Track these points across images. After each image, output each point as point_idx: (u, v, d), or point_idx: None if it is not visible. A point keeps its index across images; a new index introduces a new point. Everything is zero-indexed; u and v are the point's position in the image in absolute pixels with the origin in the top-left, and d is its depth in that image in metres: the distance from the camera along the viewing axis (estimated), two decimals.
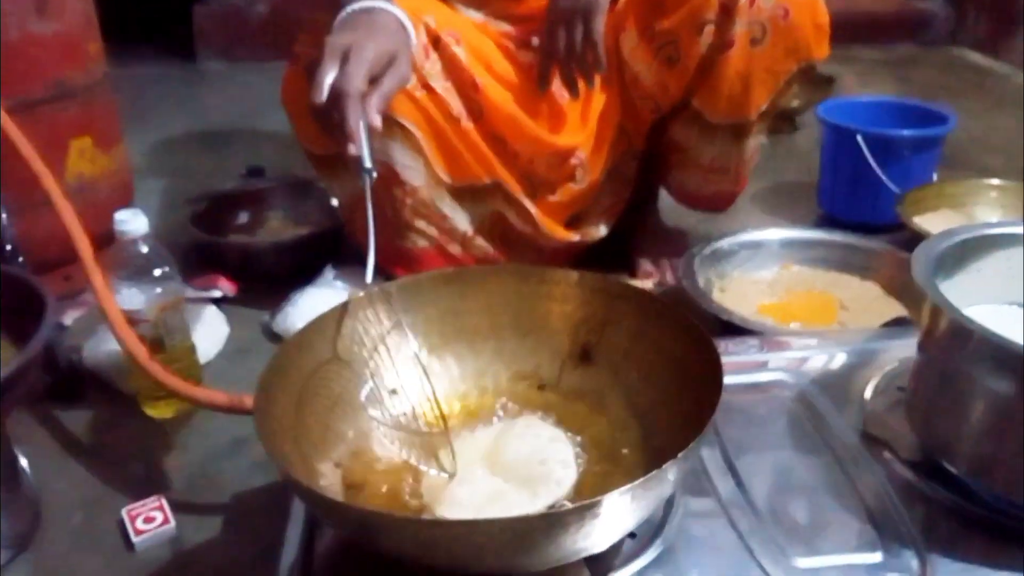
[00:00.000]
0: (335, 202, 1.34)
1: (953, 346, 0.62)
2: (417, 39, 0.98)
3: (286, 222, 1.40)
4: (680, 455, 0.50)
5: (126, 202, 1.32)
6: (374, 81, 0.83)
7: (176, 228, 1.39)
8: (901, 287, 1.15)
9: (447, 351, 0.74)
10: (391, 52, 0.85)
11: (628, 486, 0.48)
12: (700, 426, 0.53)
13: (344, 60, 0.81)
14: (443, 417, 0.69)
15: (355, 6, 0.90)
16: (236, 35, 2.66)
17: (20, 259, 1.10)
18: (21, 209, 1.11)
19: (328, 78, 0.80)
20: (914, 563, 0.58)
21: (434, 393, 0.70)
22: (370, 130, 0.80)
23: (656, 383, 0.67)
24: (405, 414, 0.68)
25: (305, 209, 1.43)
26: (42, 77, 1.17)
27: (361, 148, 0.77)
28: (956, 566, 0.58)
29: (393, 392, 0.68)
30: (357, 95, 0.79)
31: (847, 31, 2.48)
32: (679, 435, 0.61)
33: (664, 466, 0.49)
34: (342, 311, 0.68)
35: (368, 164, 0.77)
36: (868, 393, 0.74)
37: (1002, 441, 0.59)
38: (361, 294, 0.69)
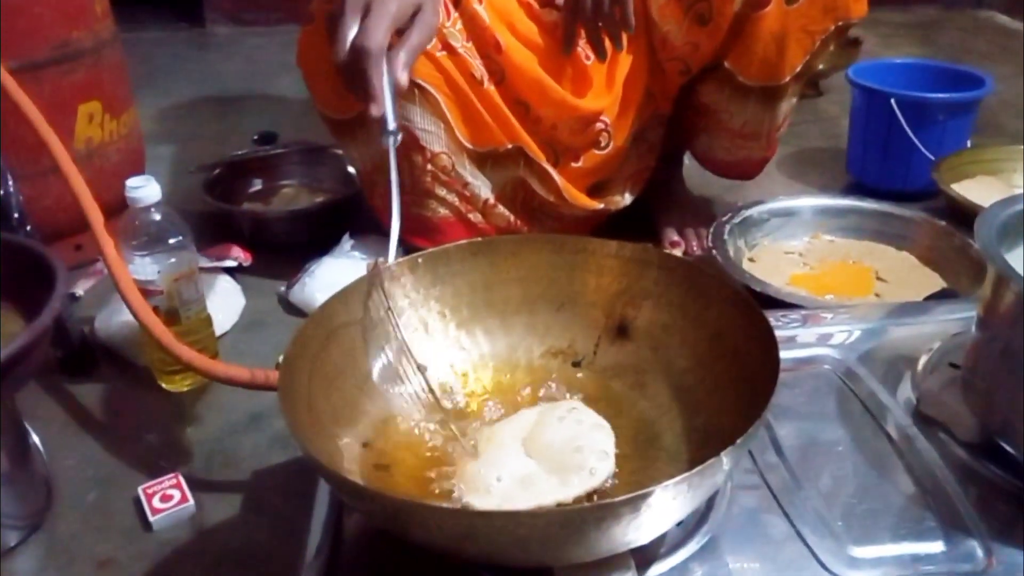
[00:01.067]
0: (352, 169, 1.30)
1: (1020, 320, 0.58)
2: None
3: (300, 189, 1.36)
4: (739, 441, 0.46)
5: (138, 169, 1.28)
6: (400, 34, 0.78)
7: (188, 195, 1.35)
8: (939, 257, 1.11)
9: (477, 325, 0.70)
10: (416, 2, 0.80)
11: (682, 476, 0.45)
12: (755, 409, 0.50)
13: (365, 13, 0.76)
14: (473, 395, 0.66)
15: None
16: None
17: (28, 228, 1.07)
18: (28, 176, 1.08)
19: (350, 34, 0.76)
20: (979, 552, 0.54)
21: (462, 371, 0.66)
22: (395, 89, 0.75)
23: (700, 361, 0.63)
24: (434, 391, 0.64)
25: (320, 175, 1.39)
26: (46, 37, 1.12)
27: (385, 108, 0.73)
28: (1022, 555, 0.54)
29: (421, 368, 0.65)
30: (380, 51, 0.75)
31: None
32: (726, 417, 0.58)
33: (721, 454, 0.46)
34: (368, 283, 0.64)
35: (392, 125, 0.73)
36: (920, 371, 0.70)
37: None
38: (387, 263, 0.66)
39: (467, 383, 0.69)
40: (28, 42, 1.10)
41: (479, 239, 0.73)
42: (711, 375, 0.62)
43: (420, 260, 0.69)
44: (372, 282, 0.65)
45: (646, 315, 0.67)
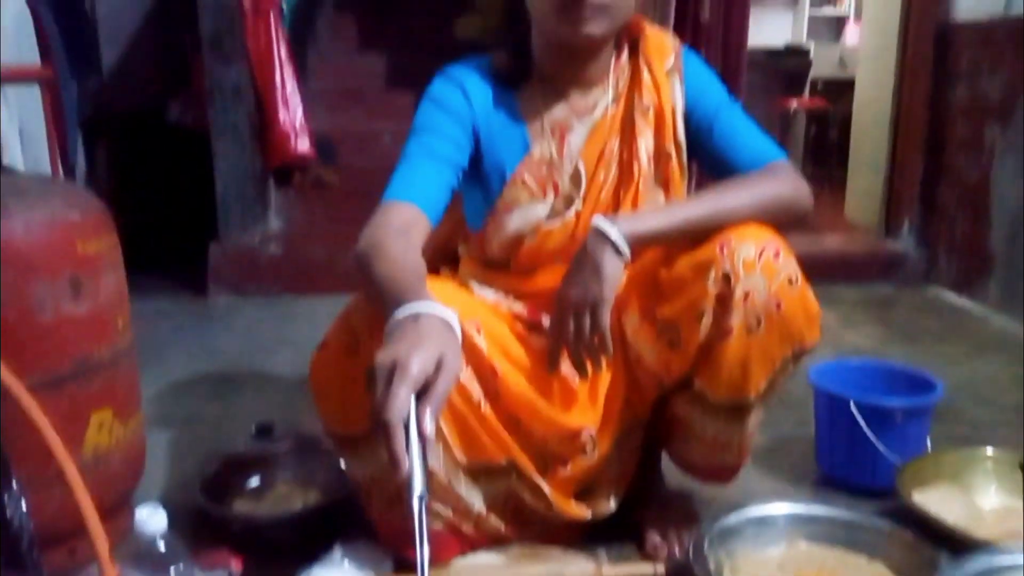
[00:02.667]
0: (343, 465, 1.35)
1: None
2: None
3: (294, 487, 1.41)
4: None
5: (138, 468, 1.33)
6: (426, 389, 0.83)
7: (184, 486, 1.39)
8: (910, 568, 1.15)
9: None
10: (438, 357, 0.85)
11: None
12: None
13: (389, 379, 0.82)
14: None
15: (400, 314, 0.91)
16: (247, 272, 2.79)
17: (26, 540, 1.09)
18: (34, 484, 1.12)
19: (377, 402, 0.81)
20: None
21: None
22: (423, 440, 0.80)
23: None
24: None
25: (313, 469, 1.44)
26: (70, 355, 1.18)
27: (410, 472, 0.77)
28: None
29: None
30: (399, 420, 0.80)
31: (825, 271, 2.63)
32: None
33: None
34: None
35: (419, 489, 0.75)
36: None
37: None
38: None
39: None
40: (52, 360, 1.16)
41: None
42: None
43: None
44: None
45: None
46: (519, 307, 1.26)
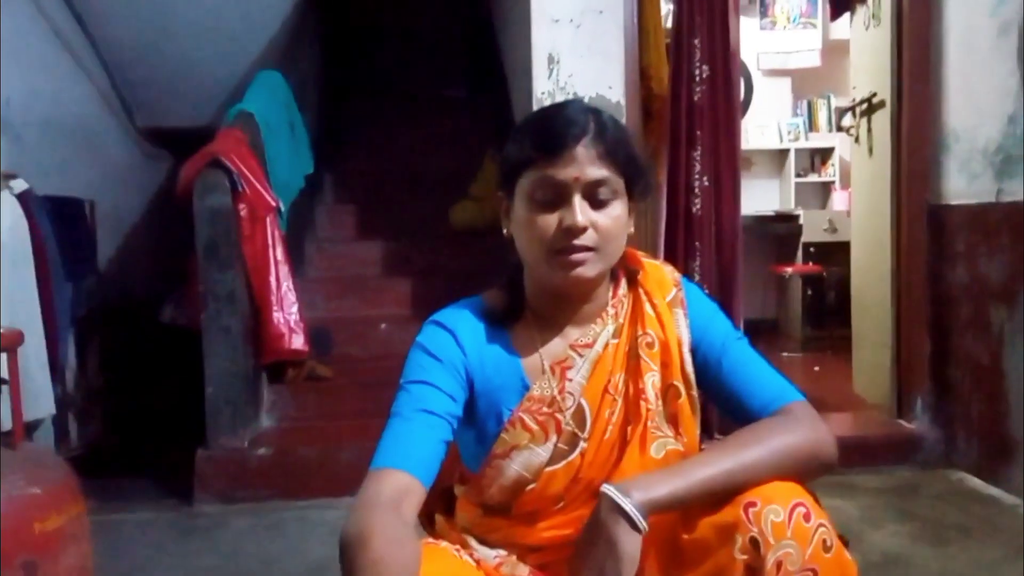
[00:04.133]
0: None
1: None
2: None
3: None
4: None
5: None
6: None
7: None
8: None
9: None
10: None
11: None
12: None
13: None
14: None
15: None
16: (235, 478, 2.66)
17: None
18: None
19: None
20: None
21: None
22: None
23: None
24: None
25: None
26: None
27: None
28: None
29: None
30: None
31: (840, 455, 2.50)
32: None
33: None
34: None
35: None
36: None
37: None
38: None
39: None
40: None
41: None
42: None
43: None
44: None
45: None
46: (523, 571, 1.15)
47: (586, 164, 1.08)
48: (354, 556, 0.92)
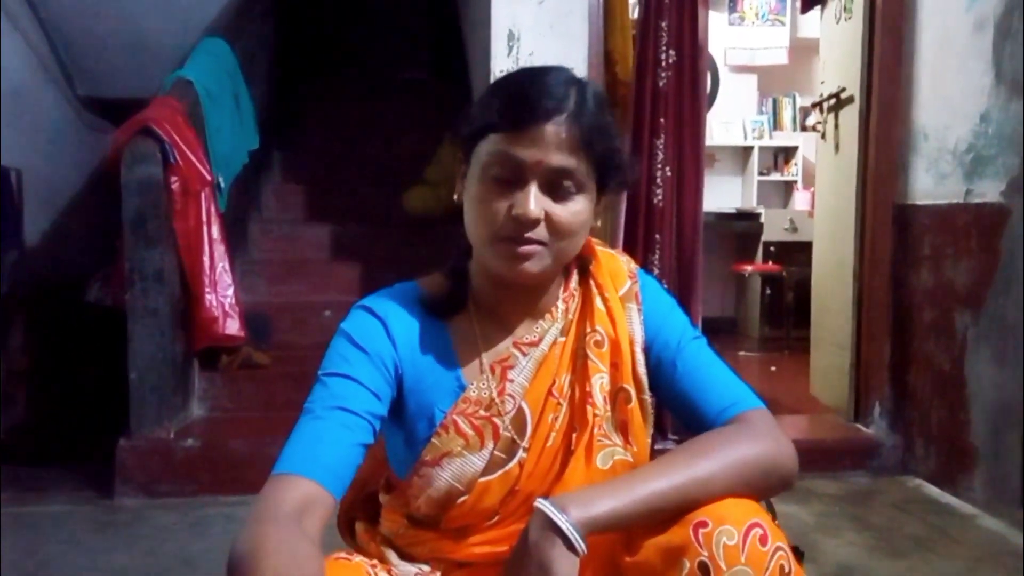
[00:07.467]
0: None
1: None
2: None
3: None
4: None
5: None
6: None
7: None
8: None
9: None
10: None
11: None
12: None
13: None
14: None
15: None
16: (160, 470, 2.49)
17: None
18: None
19: None
20: None
21: None
22: None
23: None
24: None
25: None
26: None
27: None
28: None
29: None
30: None
31: (799, 460, 2.42)
32: None
33: None
34: None
35: None
36: None
37: None
38: None
39: None
40: None
41: None
42: None
43: None
44: None
45: None
46: None
47: (552, 148, 0.93)
48: None
